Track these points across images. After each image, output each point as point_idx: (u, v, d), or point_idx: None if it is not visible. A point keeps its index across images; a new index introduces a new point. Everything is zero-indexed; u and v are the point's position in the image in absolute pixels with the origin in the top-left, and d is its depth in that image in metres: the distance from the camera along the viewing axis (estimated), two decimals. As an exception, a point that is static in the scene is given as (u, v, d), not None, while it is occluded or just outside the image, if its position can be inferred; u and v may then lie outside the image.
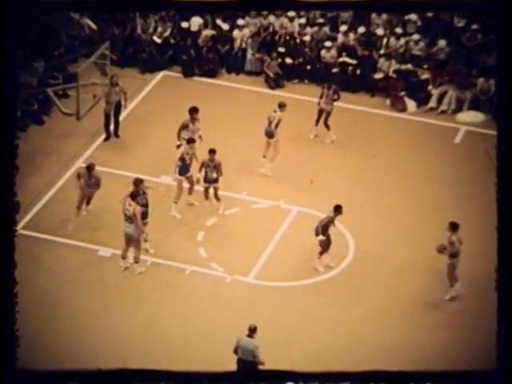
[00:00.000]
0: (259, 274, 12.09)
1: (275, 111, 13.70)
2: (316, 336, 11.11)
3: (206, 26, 16.54)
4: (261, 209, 13.31)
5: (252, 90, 15.99)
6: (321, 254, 12.03)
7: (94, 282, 11.88)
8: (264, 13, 16.35)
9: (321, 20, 16.48)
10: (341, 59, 16.08)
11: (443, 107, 15.50)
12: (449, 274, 11.49)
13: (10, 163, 7.68)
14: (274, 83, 16.08)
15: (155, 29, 16.55)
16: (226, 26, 16.51)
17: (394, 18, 16.33)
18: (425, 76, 15.87)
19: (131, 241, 11.89)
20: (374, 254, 12.42)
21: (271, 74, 16.11)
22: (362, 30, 16.21)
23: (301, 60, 16.20)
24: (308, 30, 16.43)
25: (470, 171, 13.94)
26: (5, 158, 7.69)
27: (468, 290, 11.65)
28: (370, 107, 15.60)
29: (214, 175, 12.81)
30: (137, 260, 12.07)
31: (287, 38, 16.38)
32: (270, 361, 9.81)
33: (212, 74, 16.28)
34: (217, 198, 13.01)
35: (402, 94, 15.62)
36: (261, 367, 9.77)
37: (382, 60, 15.99)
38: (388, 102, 15.72)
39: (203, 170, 12.86)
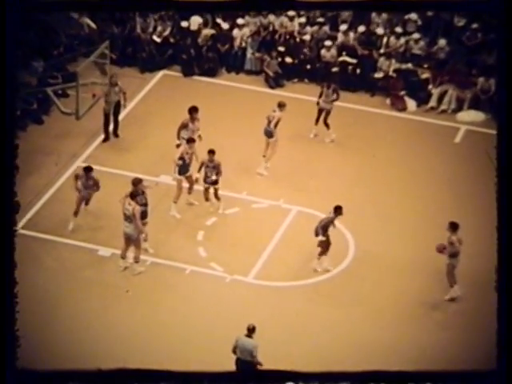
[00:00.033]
0: (259, 274, 12.09)
1: (274, 111, 13.69)
2: (316, 336, 11.10)
3: (205, 25, 16.53)
4: (261, 208, 13.30)
5: (252, 90, 15.98)
6: (320, 254, 12.01)
7: (94, 281, 11.87)
8: (264, 12, 16.33)
9: (321, 19, 16.45)
10: (341, 58, 16.07)
11: (443, 106, 15.49)
12: (448, 274, 11.48)
13: (9, 163, 7.68)
14: (274, 82, 16.07)
15: (155, 28, 16.53)
16: (225, 25, 16.49)
17: (394, 17, 16.30)
18: (425, 75, 15.86)
19: (131, 240, 11.88)
20: (373, 254, 12.41)
21: (271, 74, 16.10)
22: (362, 29, 16.19)
23: (301, 59, 16.19)
24: (308, 29, 16.40)
25: (470, 171, 13.93)
26: (5, 157, 7.68)
27: (468, 290, 11.64)
28: (369, 106, 15.58)
29: (214, 176, 12.77)
30: (137, 260, 12.07)
31: (287, 37, 16.36)
32: (269, 361, 9.81)
33: (212, 73, 16.26)
34: (217, 197, 13.01)
35: (402, 93, 15.61)
36: (261, 367, 9.76)
37: (382, 59, 15.98)
38: (388, 101, 15.70)
39: (203, 170, 12.84)
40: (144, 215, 12.04)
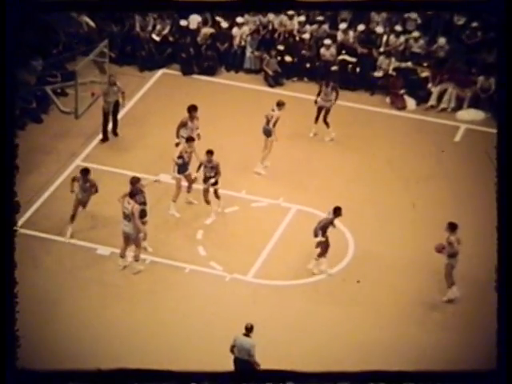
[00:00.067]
0: (258, 273, 12.08)
1: (273, 110, 13.68)
2: (315, 335, 11.09)
3: (205, 23, 16.52)
4: (260, 207, 13.29)
5: (251, 88, 15.96)
6: (319, 256, 11.97)
7: (93, 280, 11.86)
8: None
9: (320, 18, 16.44)
10: (340, 57, 16.05)
11: (443, 105, 15.48)
12: (446, 275, 11.46)
13: (10, 163, 7.67)
14: (273, 81, 16.05)
15: (154, 27, 16.51)
16: (225, 24, 16.48)
17: (393, 15, 16.29)
18: (424, 74, 15.84)
19: (130, 239, 11.88)
20: (373, 253, 12.39)
21: (270, 72, 16.08)
22: (361, 27, 16.18)
23: (300, 58, 16.18)
24: (307, 27, 16.39)
25: (470, 169, 13.92)
26: (5, 157, 7.67)
27: (468, 290, 11.63)
28: (369, 105, 15.57)
29: (212, 176, 12.67)
30: (137, 258, 12.06)
31: (286, 35, 16.35)
32: (269, 360, 9.79)
33: (211, 71, 16.25)
34: (217, 196, 12.98)
35: (402, 92, 15.60)
36: (261, 367, 9.75)
37: (381, 58, 15.96)
38: (388, 100, 15.70)
39: (201, 170, 12.80)
40: (143, 214, 12.04)
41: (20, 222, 12.40)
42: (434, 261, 11.73)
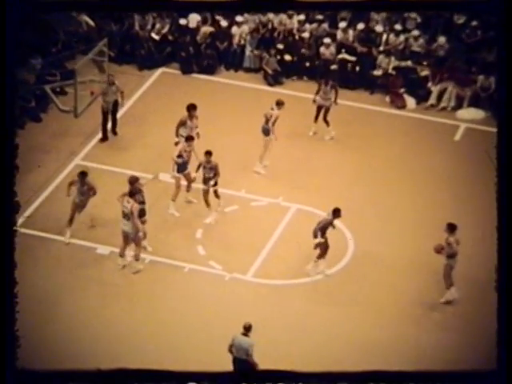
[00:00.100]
0: (258, 272, 12.07)
1: (272, 109, 13.66)
2: (315, 335, 11.08)
3: (204, 22, 16.49)
4: (259, 206, 13.28)
5: (250, 87, 15.94)
6: (319, 257, 11.93)
7: (93, 280, 11.85)
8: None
9: (320, 17, 16.42)
10: (340, 56, 16.05)
11: (443, 104, 15.47)
12: (445, 275, 11.42)
13: (10, 163, 7.66)
14: (273, 80, 16.04)
15: (153, 25, 16.49)
16: (224, 23, 16.46)
17: (393, 14, 16.26)
18: (424, 73, 15.83)
19: (129, 238, 11.87)
20: (373, 253, 12.38)
21: (270, 71, 16.07)
22: (361, 26, 16.16)
23: (300, 57, 16.16)
24: (307, 26, 16.37)
25: (470, 169, 13.90)
26: (5, 157, 7.66)
27: (468, 290, 11.63)
28: (369, 104, 15.56)
29: (212, 178, 12.58)
30: (137, 258, 12.05)
31: (286, 34, 16.33)
32: (268, 360, 9.80)
33: (210, 70, 16.23)
34: (216, 196, 12.95)
35: (402, 90, 15.59)
36: (261, 367, 9.73)
37: (381, 57, 15.95)
38: (387, 98, 15.69)
39: (200, 171, 12.72)
40: (142, 213, 12.03)
41: (19, 221, 12.40)
42: (433, 261, 11.71)
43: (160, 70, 16.29)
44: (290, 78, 16.16)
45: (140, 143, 14.46)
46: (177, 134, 13.51)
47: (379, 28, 16.19)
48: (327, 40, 16.02)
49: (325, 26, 16.38)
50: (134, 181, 11.95)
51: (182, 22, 16.33)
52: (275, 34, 16.44)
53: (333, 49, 16.06)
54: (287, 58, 16.18)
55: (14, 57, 7.34)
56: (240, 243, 12.52)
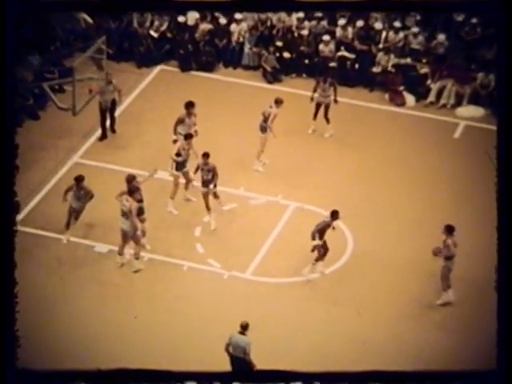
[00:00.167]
0: (257, 270, 12.06)
1: (271, 106, 13.64)
2: (313, 334, 11.07)
3: (203, 20, 16.45)
4: (258, 204, 13.27)
5: (249, 85, 15.90)
6: (316, 260, 11.87)
7: (92, 279, 11.83)
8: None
9: (319, 14, 16.37)
10: (339, 53, 16.01)
11: (443, 101, 15.44)
12: (443, 277, 11.38)
13: (10, 163, 7.64)
14: (272, 77, 16.01)
15: (152, 23, 16.43)
16: (223, 20, 16.42)
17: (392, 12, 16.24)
18: (424, 70, 15.80)
19: (127, 237, 11.86)
20: (372, 252, 12.36)
21: (269, 69, 16.04)
22: (360, 23, 16.12)
23: (299, 54, 16.13)
24: (306, 23, 16.33)
25: (470, 166, 13.86)
26: (5, 157, 7.64)
27: (468, 290, 11.61)
28: (368, 102, 15.53)
29: (210, 180, 12.44)
30: (137, 256, 12.03)
31: (285, 31, 16.29)
32: (267, 358, 9.81)
33: (209, 68, 16.20)
34: (215, 196, 12.86)
35: (401, 88, 15.57)
36: (259, 366, 9.74)
37: (380, 54, 15.92)
38: (387, 96, 15.66)
39: (199, 173, 12.62)
40: (140, 211, 12.01)
41: (17, 219, 12.36)
42: (432, 260, 11.67)
43: (159, 68, 16.24)
44: (289, 76, 16.13)
45: (139, 141, 14.43)
46: (175, 132, 13.48)
47: (378, 25, 16.15)
48: (326, 37, 15.98)
49: (324, 23, 16.34)
50: (131, 179, 11.93)
51: (181, 19, 16.27)
52: (274, 32, 16.39)
53: (332, 46, 16.03)
54: (286, 55, 16.14)
55: (13, 57, 7.31)
56: (239, 241, 12.51)
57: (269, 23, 16.46)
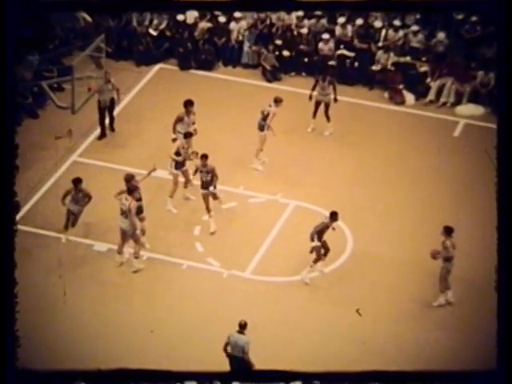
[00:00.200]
0: (256, 269, 12.06)
1: (270, 105, 13.62)
2: (313, 333, 11.07)
3: (202, 18, 16.42)
4: (258, 203, 13.26)
5: (249, 83, 15.89)
6: (315, 262, 11.81)
7: (91, 278, 11.83)
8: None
9: (318, 12, 16.35)
10: (339, 52, 16.00)
11: (443, 99, 15.43)
12: (441, 279, 11.35)
13: (10, 163, 7.63)
14: (271, 76, 15.99)
15: (151, 21, 16.41)
16: (222, 19, 16.39)
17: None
18: (423, 69, 15.78)
19: (126, 236, 11.85)
20: (371, 251, 12.35)
21: (268, 67, 16.02)
22: (359, 22, 16.10)
23: (298, 52, 16.11)
24: (305, 22, 16.30)
25: (470, 165, 13.84)
26: (5, 157, 7.63)
27: (468, 290, 11.60)
28: (368, 100, 15.52)
29: (209, 182, 12.38)
30: (136, 255, 12.01)
31: (284, 30, 16.26)
32: (267, 358, 9.82)
33: (208, 66, 16.17)
34: (215, 198, 12.75)
35: (401, 86, 15.55)
36: (259, 365, 9.74)
37: (380, 52, 15.90)
38: (386, 94, 15.65)
39: (198, 175, 12.54)
40: (140, 210, 12.01)
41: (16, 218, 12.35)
42: (433, 260, 11.56)
43: (158, 66, 16.21)
44: (289, 74, 16.11)
45: (138, 140, 14.42)
46: (174, 131, 13.47)
47: (378, 23, 16.13)
48: (326, 36, 15.97)
49: (323, 21, 16.32)
50: (129, 178, 11.92)
51: (180, 17, 16.25)
52: (273, 30, 16.36)
53: (331, 44, 16.01)
54: (285, 53, 16.12)
55: (13, 58, 7.29)
56: (238, 240, 12.50)
57: (268, 22, 16.43)
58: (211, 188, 12.51)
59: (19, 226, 11.90)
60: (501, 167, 8.15)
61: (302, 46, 16.15)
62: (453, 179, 13.72)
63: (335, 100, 14.43)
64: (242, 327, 9.85)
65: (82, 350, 10.52)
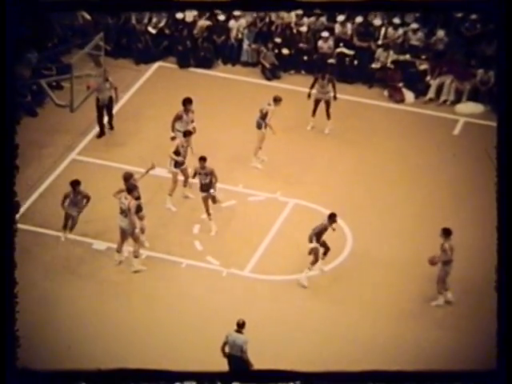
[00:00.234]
0: (256, 268, 12.05)
1: (269, 104, 13.61)
2: (312, 332, 11.06)
3: (201, 16, 16.38)
4: (257, 201, 13.25)
5: (248, 81, 15.86)
6: (312, 264, 11.75)
7: (91, 277, 11.81)
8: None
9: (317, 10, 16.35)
10: (338, 50, 15.97)
11: (443, 97, 15.42)
12: (439, 280, 11.33)
13: (10, 163, 7.61)
14: (271, 74, 15.97)
15: (150, 19, 16.37)
16: (221, 17, 16.36)
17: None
18: (423, 67, 15.76)
19: (126, 234, 11.84)
20: (371, 249, 12.34)
21: (267, 65, 15.99)
22: (359, 20, 16.07)
23: (297, 50, 16.08)
24: (305, 20, 16.27)
25: (470, 163, 13.83)
26: (5, 157, 7.61)
27: (468, 290, 11.59)
28: (367, 98, 15.50)
29: (208, 184, 12.32)
30: (136, 255, 12.00)
31: (284, 28, 16.23)
32: (266, 357, 9.82)
33: (208, 64, 16.15)
34: (214, 201, 12.68)
35: (400, 84, 15.54)
36: (258, 365, 9.74)
37: (379, 50, 15.88)
38: (386, 93, 15.63)
39: (197, 178, 12.47)
40: (139, 208, 11.99)
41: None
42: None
43: (157, 64, 16.18)
44: (288, 72, 16.08)
45: (137, 138, 14.40)
46: (173, 129, 13.46)
47: (377, 21, 16.10)
48: (325, 34, 15.93)
49: (323, 19, 16.29)
50: (128, 177, 11.91)
51: (179, 15, 16.21)
52: (273, 28, 16.33)
53: (331, 42, 15.98)
54: (285, 51, 16.10)
55: (13, 58, 7.27)
56: (237, 238, 12.50)
57: (267, 20, 16.40)
58: (211, 190, 12.47)
59: (19, 225, 12.05)
60: (501, 166, 8.13)
61: (301, 44, 16.12)
62: (453, 177, 13.71)
63: (334, 98, 14.42)
64: (240, 326, 9.84)
65: (82, 349, 10.51)
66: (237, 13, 16.31)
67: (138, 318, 11.23)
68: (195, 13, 16.26)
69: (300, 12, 16.28)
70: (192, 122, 13.45)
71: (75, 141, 14.30)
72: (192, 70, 16.11)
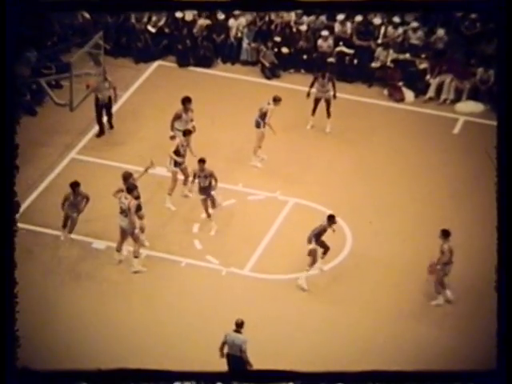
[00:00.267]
0: (255, 267, 12.06)
1: (269, 103, 13.60)
2: (312, 332, 11.07)
3: (200, 15, 16.36)
4: (257, 200, 13.25)
5: (248, 80, 15.86)
6: (310, 265, 11.73)
7: (90, 277, 11.81)
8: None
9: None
10: (338, 49, 15.97)
11: (443, 96, 15.42)
12: (437, 281, 11.33)
13: (10, 163, 7.61)
14: (270, 73, 15.96)
15: (149, 18, 16.35)
16: (221, 16, 16.35)
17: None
18: (423, 66, 15.75)
19: (126, 234, 11.84)
20: (371, 248, 12.34)
21: (267, 64, 15.98)
22: (359, 19, 16.06)
23: (297, 49, 16.07)
24: (304, 19, 16.27)
25: (470, 162, 13.83)
26: (5, 157, 7.60)
27: (467, 290, 11.59)
28: (367, 97, 15.49)
29: (207, 187, 12.28)
30: (136, 254, 11.98)
31: (283, 27, 16.22)
32: (266, 356, 9.82)
33: (207, 63, 16.14)
34: (213, 205, 12.59)
35: (400, 83, 15.53)
36: (258, 364, 9.74)
37: (379, 49, 15.87)
38: (386, 91, 15.62)
39: (196, 180, 12.42)
40: (138, 208, 11.98)
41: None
42: (433, 258, 11.61)
43: (156, 63, 16.17)
44: (288, 71, 16.07)
45: (136, 137, 14.39)
46: (172, 128, 13.46)
47: (377, 20, 16.08)
48: (325, 33, 15.93)
49: (322, 18, 16.28)
50: (127, 176, 11.90)
51: (179, 14, 16.20)
52: (272, 27, 16.32)
53: (330, 41, 15.97)
54: (284, 50, 16.09)
55: (13, 58, 7.25)
56: (237, 237, 12.50)
57: (267, 18, 16.38)
58: (212, 192, 12.41)
59: (19, 224, 12.04)
60: (501, 166, 8.13)
61: (301, 43, 16.11)
62: (452, 176, 13.70)
63: (334, 97, 14.41)
64: (239, 326, 9.84)
65: (82, 349, 10.51)
66: (236, 12, 16.30)
67: (138, 317, 11.23)
68: (195, 11, 16.24)
69: (299, 11, 16.28)
70: (191, 120, 13.45)
71: (75, 140, 14.29)
72: (191, 68, 16.09)
